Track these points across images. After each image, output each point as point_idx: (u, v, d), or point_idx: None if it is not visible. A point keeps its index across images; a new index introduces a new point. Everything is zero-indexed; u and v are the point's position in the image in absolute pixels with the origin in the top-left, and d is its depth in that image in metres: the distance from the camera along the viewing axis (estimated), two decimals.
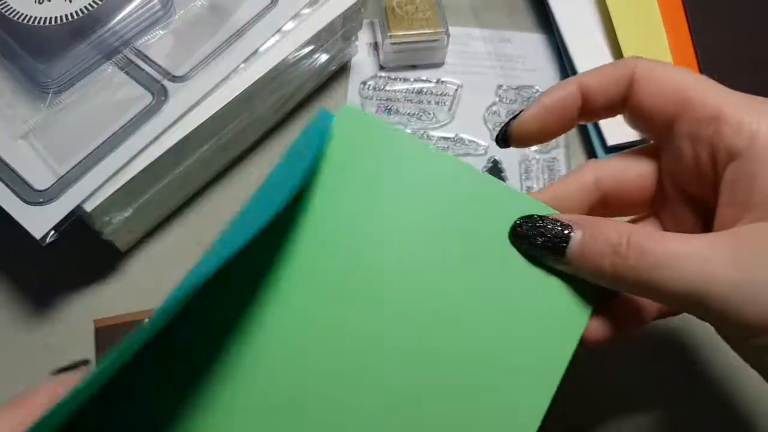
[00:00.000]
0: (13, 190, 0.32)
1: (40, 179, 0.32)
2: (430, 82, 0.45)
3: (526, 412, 0.22)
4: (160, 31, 0.36)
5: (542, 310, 0.23)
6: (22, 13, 0.34)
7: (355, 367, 0.22)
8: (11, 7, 0.34)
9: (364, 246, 0.24)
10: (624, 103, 0.25)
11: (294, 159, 0.24)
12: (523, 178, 0.42)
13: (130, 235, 0.38)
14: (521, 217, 0.24)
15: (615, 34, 0.43)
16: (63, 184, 0.32)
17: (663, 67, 0.24)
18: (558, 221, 0.24)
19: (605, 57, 0.44)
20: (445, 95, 0.45)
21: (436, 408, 0.22)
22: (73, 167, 0.32)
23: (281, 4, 0.37)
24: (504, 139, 0.26)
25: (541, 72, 0.46)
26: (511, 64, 0.46)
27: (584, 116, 0.26)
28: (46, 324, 0.37)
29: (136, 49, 0.35)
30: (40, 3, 0.34)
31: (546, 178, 0.42)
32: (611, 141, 0.41)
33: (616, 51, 0.44)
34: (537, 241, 0.23)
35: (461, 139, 0.43)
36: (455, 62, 0.46)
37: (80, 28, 0.34)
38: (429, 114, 0.44)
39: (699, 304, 0.20)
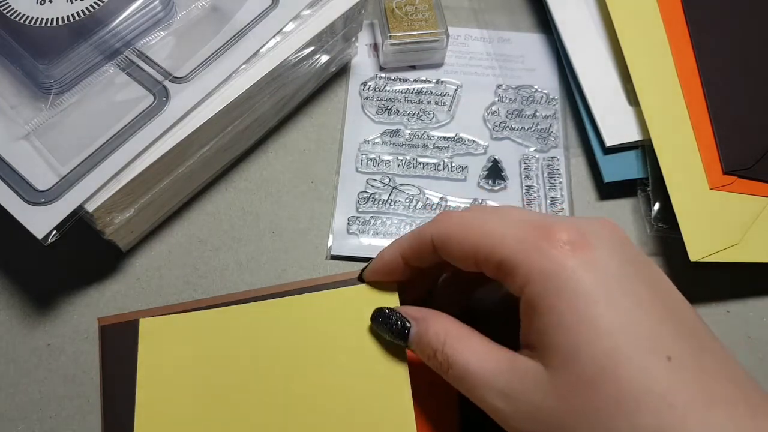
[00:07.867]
0: (15, 191, 0.32)
1: (42, 179, 0.32)
2: (429, 82, 0.45)
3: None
4: (162, 32, 0.36)
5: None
6: (24, 14, 0.34)
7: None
8: (13, 8, 0.34)
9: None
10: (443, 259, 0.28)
11: None
12: (523, 177, 0.42)
13: (132, 235, 0.38)
14: (376, 310, 0.29)
15: (614, 34, 0.43)
16: (65, 184, 0.32)
17: (458, 227, 0.27)
18: (401, 315, 0.28)
19: (603, 56, 0.44)
20: (444, 95, 0.45)
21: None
22: (75, 167, 0.32)
23: (282, 5, 0.37)
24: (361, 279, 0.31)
25: (540, 71, 0.46)
26: (511, 64, 0.46)
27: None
28: (48, 324, 0.37)
29: (137, 50, 0.35)
30: (41, 4, 0.35)
31: (545, 176, 0.42)
32: (609, 142, 0.41)
33: (616, 50, 0.44)
34: (388, 332, 0.28)
35: (461, 138, 0.43)
36: (455, 62, 0.46)
37: (82, 28, 0.34)
38: (429, 114, 0.44)
39: (485, 407, 0.25)
